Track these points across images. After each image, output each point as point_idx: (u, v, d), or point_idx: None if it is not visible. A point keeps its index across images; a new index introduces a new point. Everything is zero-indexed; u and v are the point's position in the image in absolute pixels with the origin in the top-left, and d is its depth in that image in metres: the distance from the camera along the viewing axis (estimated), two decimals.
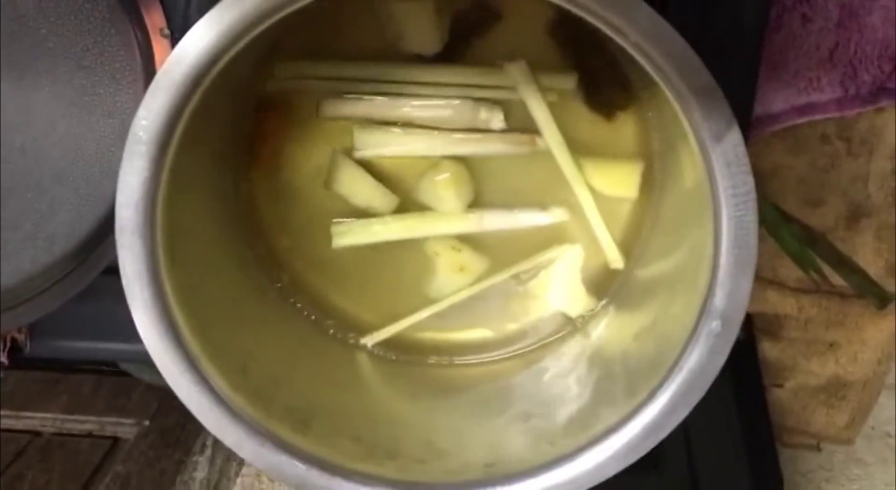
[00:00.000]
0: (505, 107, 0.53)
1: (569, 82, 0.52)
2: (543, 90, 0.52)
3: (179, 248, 0.44)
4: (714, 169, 0.39)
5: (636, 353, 0.48)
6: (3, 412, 0.98)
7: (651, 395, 0.43)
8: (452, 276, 0.56)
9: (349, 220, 0.55)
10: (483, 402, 0.53)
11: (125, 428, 0.97)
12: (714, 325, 0.41)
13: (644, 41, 0.37)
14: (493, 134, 0.54)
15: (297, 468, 0.44)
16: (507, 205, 0.56)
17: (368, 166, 0.55)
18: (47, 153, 0.51)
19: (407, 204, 0.56)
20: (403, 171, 0.55)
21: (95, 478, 0.91)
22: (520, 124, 0.54)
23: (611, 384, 0.48)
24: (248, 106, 0.53)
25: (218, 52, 0.39)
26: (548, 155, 0.53)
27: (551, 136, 0.52)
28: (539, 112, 0.52)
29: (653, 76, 0.38)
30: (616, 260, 0.55)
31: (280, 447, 0.44)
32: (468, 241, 0.56)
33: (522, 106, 0.53)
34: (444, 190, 0.54)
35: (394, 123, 0.54)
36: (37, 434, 0.98)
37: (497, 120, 0.53)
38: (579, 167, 0.53)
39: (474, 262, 0.56)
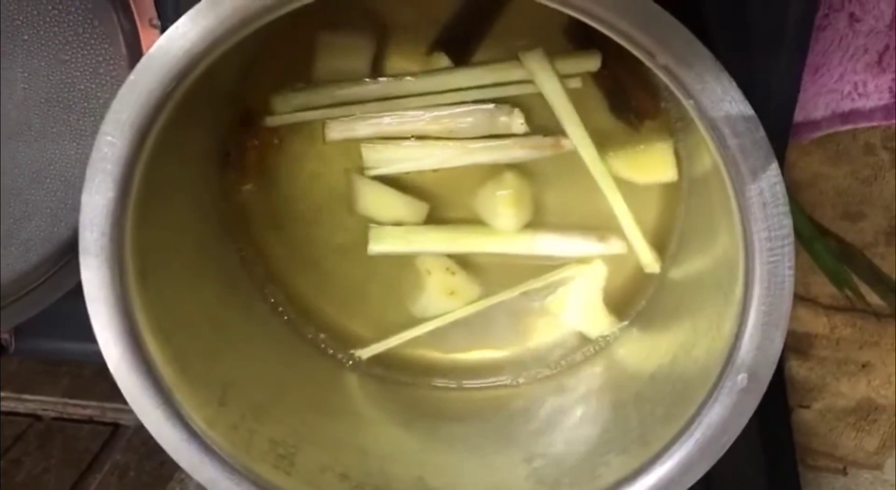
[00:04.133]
0: (525, 108, 0.49)
1: (592, 64, 0.48)
2: (564, 77, 0.47)
3: (153, 269, 0.40)
4: (748, 209, 0.34)
5: (652, 396, 0.44)
6: (4, 394, 0.97)
7: (666, 449, 0.39)
8: (441, 298, 0.53)
9: (388, 226, 0.52)
10: (484, 435, 0.49)
11: (126, 414, 0.95)
12: (740, 378, 0.37)
13: (674, 64, 0.32)
14: (512, 139, 0.49)
15: None
16: (552, 222, 0.52)
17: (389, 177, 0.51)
18: (21, 154, 0.47)
19: (438, 209, 0.52)
20: (425, 177, 0.52)
21: (94, 467, 0.90)
22: (543, 125, 0.49)
23: (623, 429, 0.44)
24: (234, 114, 0.49)
25: (196, 56, 0.35)
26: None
27: (572, 127, 0.48)
28: (558, 101, 0.47)
29: (683, 103, 0.33)
30: (651, 264, 0.51)
31: (260, 487, 0.40)
32: (466, 262, 0.53)
33: (544, 106, 0.48)
34: (503, 207, 0.50)
35: (406, 137, 0.50)
36: (37, 418, 0.97)
37: (517, 123, 0.48)
38: (607, 162, 0.49)
39: (467, 287, 0.53)
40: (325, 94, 0.49)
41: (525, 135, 0.49)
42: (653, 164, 0.49)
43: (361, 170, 0.51)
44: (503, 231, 0.51)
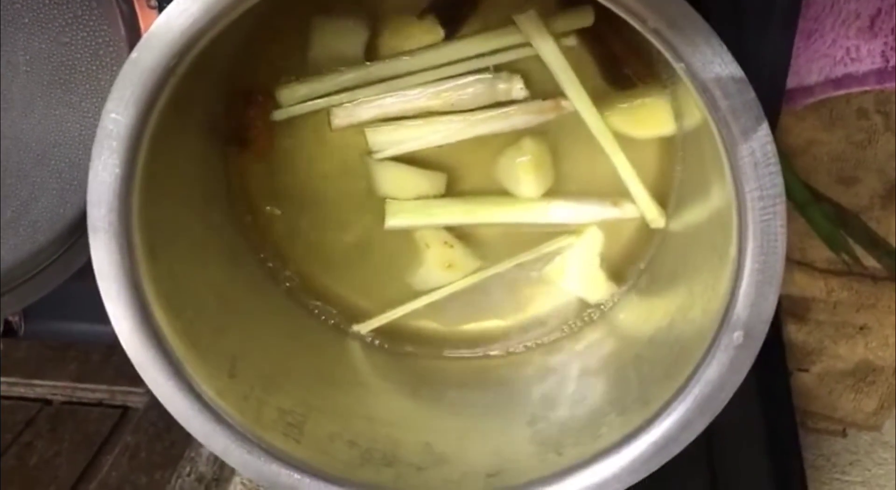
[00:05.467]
0: (524, 74, 0.49)
1: (586, 19, 0.47)
2: (559, 36, 0.48)
3: (161, 245, 0.41)
4: (740, 169, 0.35)
5: (651, 357, 0.45)
6: (14, 380, 0.98)
7: (665, 407, 0.40)
8: (439, 271, 0.53)
9: (404, 200, 0.52)
10: (488, 400, 0.50)
11: (135, 397, 0.96)
12: (735, 335, 0.38)
13: (665, 28, 0.33)
14: (513, 106, 0.50)
15: (289, 477, 0.42)
16: (564, 189, 0.52)
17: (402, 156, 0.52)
18: (26, 136, 0.48)
19: (455, 177, 0.53)
20: (437, 152, 0.52)
21: (104, 449, 0.91)
22: (543, 90, 0.50)
23: (623, 390, 0.45)
24: (236, 90, 0.50)
25: (198, 32, 0.35)
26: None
27: (569, 84, 0.48)
28: (554, 60, 0.47)
29: (674, 66, 0.34)
30: (656, 218, 0.51)
31: (270, 455, 0.42)
32: (464, 235, 0.53)
33: (541, 70, 0.48)
34: (524, 173, 0.50)
35: (410, 116, 0.50)
36: (47, 402, 0.98)
37: (517, 88, 0.49)
38: (606, 119, 0.49)
39: (465, 259, 0.53)
40: (328, 81, 0.49)
41: (525, 100, 0.49)
42: (651, 118, 0.49)
43: (370, 153, 0.51)
44: (520, 200, 0.51)
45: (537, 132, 0.51)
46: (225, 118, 0.50)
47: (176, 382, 0.40)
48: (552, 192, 0.52)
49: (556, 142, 0.51)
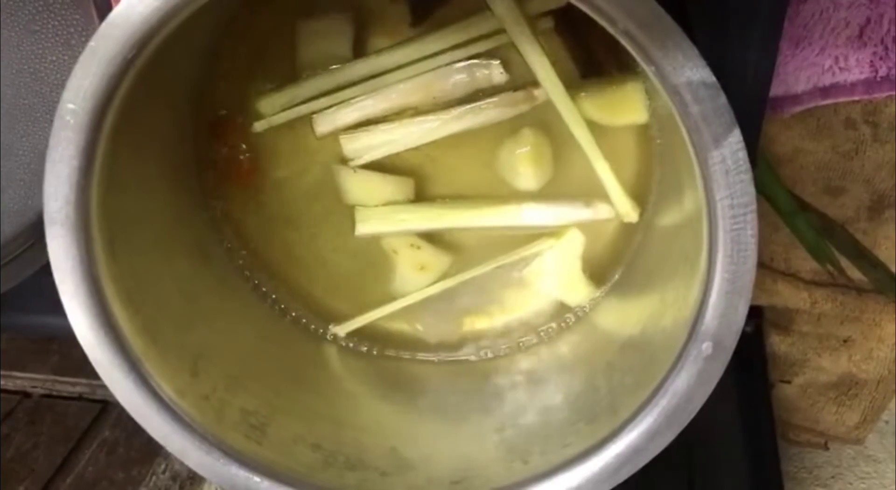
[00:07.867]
0: (504, 63, 0.48)
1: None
2: (534, 18, 0.46)
3: (121, 240, 0.40)
4: (711, 176, 0.34)
5: (621, 366, 0.44)
6: None
7: (633, 416, 0.39)
8: (412, 273, 0.53)
9: (374, 207, 0.51)
10: (459, 406, 0.50)
11: None
12: (704, 346, 0.37)
13: (636, 30, 0.32)
14: (485, 101, 0.48)
15: (247, 479, 0.41)
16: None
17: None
18: None
19: (423, 183, 0.52)
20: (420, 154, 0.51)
21: (82, 443, 0.90)
22: (523, 81, 0.48)
23: (593, 399, 0.44)
24: (206, 107, 0.49)
25: (157, 22, 0.34)
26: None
27: (539, 68, 0.46)
28: (525, 41, 0.46)
29: (644, 69, 0.33)
30: (629, 212, 0.49)
31: (230, 456, 0.41)
32: (434, 237, 0.53)
33: (520, 60, 0.47)
34: (523, 166, 0.49)
35: (392, 117, 0.49)
36: (27, 395, 0.97)
37: (497, 73, 0.48)
38: (579, 104, 0.47)
39: (435, 260, 0.53)
40: (307, 87, 0.49)
41: (497, 93, 0.48)
42: (624, 105, 0.47)
43: (344, 159, 0.50)
44: (490, 203, 0.51)
45: (538, 122, 0.49)
46: (196, 130, 0.50)
47: (133, 380, 0.40)
48: (524, 195, 0.51)
49: None
